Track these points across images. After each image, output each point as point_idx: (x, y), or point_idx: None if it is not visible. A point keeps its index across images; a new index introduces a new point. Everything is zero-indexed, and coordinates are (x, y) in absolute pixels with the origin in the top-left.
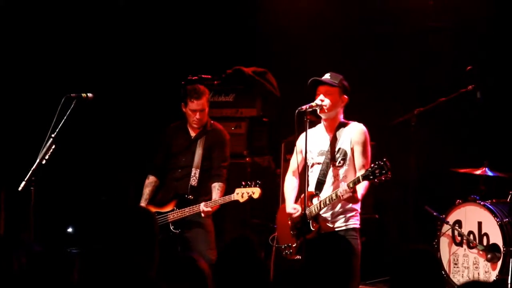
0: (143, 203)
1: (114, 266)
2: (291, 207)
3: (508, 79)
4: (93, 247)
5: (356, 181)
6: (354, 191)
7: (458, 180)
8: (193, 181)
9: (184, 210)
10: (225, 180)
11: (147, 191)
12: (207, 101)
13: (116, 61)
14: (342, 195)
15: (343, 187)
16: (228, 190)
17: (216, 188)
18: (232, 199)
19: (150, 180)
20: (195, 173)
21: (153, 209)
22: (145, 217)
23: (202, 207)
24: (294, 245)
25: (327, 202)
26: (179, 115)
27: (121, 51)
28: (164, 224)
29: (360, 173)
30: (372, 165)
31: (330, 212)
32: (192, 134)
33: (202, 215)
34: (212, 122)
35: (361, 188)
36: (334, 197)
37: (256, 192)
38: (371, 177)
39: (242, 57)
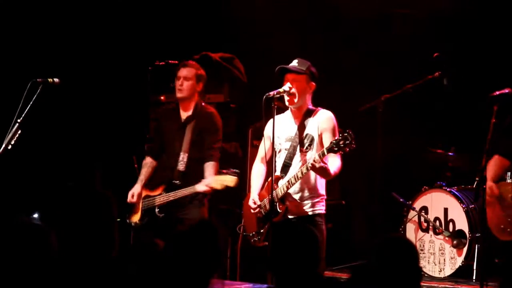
0: (138, 184)
1: (75, 247)
2: (252, 200)
3: (475, 66)
4: (55, 229)
5: (321, 155)
6: (324, 163)
7: (424, 166)
8: (181, 166)
9: (169, 194)
10: (217, 159)
11: (143, 171)
12: (195, 75)
13: (82, 46)
14: (314, 163)
15: (314, 157)
16: None
17: (209, 167)
18: (210, 186)
19: (147, 161)
20: (183, 157)
21: (144, 192)
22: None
23: (199, 187)
24: (261, 231)
25: (293, 182)
26: (146, 100)
27: (87, 36)
28: (151, 207)
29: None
30: (336, 137)
31: (297, 197)
32: (183, 117)
33: (200, 190)
34: (203, 104)
35: (334, 166)
36: (304, 170)
37: (232, 181)
38: (336, 148)
39: (210, 43)
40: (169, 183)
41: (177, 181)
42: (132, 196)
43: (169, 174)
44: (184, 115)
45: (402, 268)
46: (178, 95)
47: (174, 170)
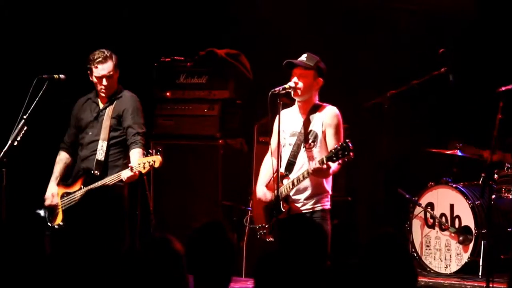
0: (53, 182)
1: (85, 244)
2: (262, 192)
3: (481, 62)
4: (65, 227)
5: (321, 163)
6: (327, 166)
7: (430, 162)
8: (100, 155)
9: (91, 188)
10: (143, 146)
11: (57, 168)
12: (114, 66)
13: (88, 43)
14: (313, 169)
15: (314, 163)
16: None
17: (135, 154)
18: (134, 170)
19: (61, 156)
20: (102, 146)
21: (62, 190)
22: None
23: (125, 173)
24: (267, 226)
25: (296, 183)
26: (151, 96)
27: (93, 32)
28: (73, 205)
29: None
30: (335, 146)
31: (301, 194)
32: (101, 105)
33: (124, 180)
34: (123, 90)
35: (334, 165)
36: (306, 174)
37: (156, 160)
38: (334, 158)
39: (215, 39)
40: (87, 174)
41: (96, 172)
42: (53, 196)
43: (86, 166)
44: (102, 102)
45: (393, 262)
46: (105, 94)
47: (90, 160)
